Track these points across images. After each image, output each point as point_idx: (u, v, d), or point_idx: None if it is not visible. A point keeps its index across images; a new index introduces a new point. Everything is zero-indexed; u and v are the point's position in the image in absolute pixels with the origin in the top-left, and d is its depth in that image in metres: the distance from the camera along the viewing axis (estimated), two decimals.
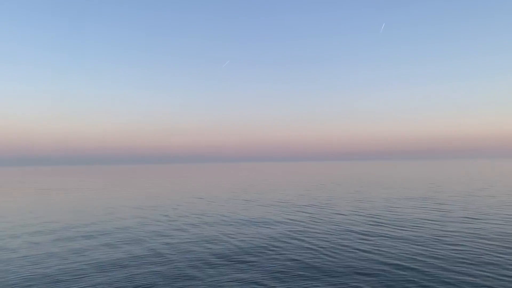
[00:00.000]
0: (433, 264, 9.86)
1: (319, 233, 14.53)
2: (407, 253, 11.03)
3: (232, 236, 14.32)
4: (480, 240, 12.51)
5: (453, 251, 11.11)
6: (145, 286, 8.54)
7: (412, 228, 14.95)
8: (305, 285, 8.40)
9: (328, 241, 13.05)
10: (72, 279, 9.14)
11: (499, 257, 10.37)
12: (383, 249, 11.66)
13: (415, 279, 8.63)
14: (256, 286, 8.44)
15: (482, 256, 10.47)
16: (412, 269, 9.46)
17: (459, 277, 8.67)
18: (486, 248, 11.37)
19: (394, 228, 15.06)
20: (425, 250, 11.39)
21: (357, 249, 11.68)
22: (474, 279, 8.50)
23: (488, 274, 8.87)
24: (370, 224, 16.10)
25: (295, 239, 13.51)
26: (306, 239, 13.46)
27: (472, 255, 10.61)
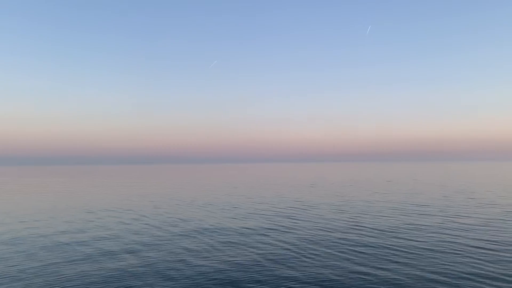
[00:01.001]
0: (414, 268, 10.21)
1: (286, 237, 14.77)
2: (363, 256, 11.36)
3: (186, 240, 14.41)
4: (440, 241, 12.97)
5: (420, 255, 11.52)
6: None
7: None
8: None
9: (297, 245, 13.29)
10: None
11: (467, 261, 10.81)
12: (339, 253, 11.98)
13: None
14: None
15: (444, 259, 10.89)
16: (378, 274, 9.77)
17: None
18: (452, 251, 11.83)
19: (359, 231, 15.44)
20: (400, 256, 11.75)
21: (332, 254, 11.95)
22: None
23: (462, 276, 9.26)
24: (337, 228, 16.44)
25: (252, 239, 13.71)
26: (275, 243, 13.67)
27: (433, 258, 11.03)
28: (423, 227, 15.58)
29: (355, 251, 11.69)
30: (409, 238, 13.51)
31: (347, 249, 11.98)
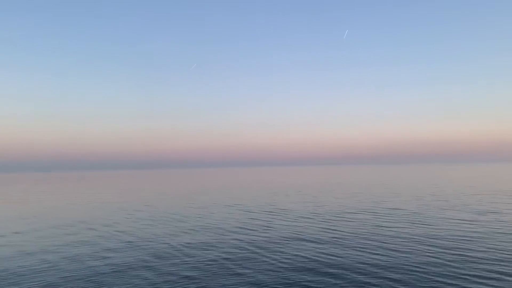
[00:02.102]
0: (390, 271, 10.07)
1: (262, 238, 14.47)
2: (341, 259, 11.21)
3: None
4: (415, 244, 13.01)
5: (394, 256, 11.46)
6: None
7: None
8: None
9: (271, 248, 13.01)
10: None
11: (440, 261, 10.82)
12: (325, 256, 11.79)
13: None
14: None
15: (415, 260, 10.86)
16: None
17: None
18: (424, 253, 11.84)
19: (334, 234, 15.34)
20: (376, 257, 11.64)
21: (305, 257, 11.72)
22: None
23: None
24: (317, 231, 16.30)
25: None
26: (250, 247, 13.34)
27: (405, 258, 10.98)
28: (394, 230, 15.62)
29: (327, 254, 11.50)
30: (380, 240, 13.47)
31: (317, 254, 11.77)
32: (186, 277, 9.45)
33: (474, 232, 14.86)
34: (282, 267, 10.20)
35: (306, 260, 10.96)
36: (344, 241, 13.63)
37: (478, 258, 10.76)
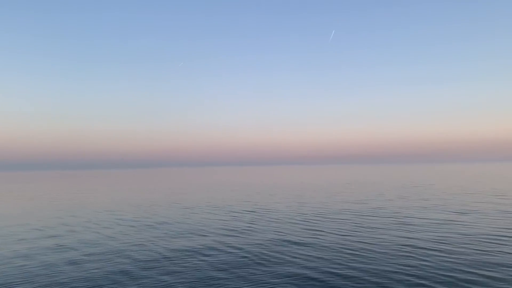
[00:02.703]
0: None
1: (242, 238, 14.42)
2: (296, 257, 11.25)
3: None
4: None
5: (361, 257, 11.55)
6: None
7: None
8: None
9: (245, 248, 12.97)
10: None
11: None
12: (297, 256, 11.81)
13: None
14: None
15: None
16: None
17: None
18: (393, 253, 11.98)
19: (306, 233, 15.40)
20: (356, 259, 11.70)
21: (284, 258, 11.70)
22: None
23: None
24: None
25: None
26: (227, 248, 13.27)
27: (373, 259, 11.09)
28: (375, 229, 15.77)
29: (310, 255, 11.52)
30: (361, 240, 13.56)
31: (301, 253, 11.78)
32: (163, 281, 9.32)
33: (451, 231, 15.12)
34: (260, 269, 10.16)
35: (286, 262, 10.94)
36: (323, 241, 13.68)
37: (454, 258, 10.93)
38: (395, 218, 19.08)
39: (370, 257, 11.20)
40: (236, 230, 16.50)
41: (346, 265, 10.44)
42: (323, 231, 15.73)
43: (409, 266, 10.18)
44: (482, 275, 9.19)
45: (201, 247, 13.21)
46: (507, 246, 12.20)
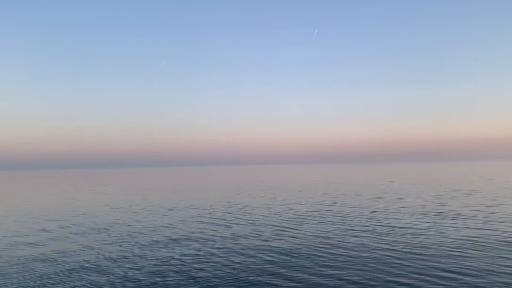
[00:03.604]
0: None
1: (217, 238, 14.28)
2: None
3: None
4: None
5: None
6: None
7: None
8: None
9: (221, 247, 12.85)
10: None
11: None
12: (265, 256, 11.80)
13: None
14: None
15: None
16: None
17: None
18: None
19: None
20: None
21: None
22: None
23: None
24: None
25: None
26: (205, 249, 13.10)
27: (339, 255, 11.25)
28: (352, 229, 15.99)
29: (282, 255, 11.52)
30: (339, 241, 13.70)
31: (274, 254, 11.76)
32: (137, 280, 9.05)
33: (420, 230, 15.54)
34: (236, 269, 10.06)
35: (261, 261, 10.88)
36: (300, 240, 13.72)
37: (425, 257, 11.21)
38: (369, 219, 19.41)
39: (344, 255, 11.31)
40: (215, 229, 16.30)
41: (322, 263, 10.50)
42: (298, 230, 15.78)
43: (381, 264, 10.35)
44: (451, 277, 9.47)
45: (177, 246, 12.94)
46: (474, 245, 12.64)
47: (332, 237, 14.17)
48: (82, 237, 14.91)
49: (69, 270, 10.06)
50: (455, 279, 8.84)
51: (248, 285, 8.68)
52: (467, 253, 11.38)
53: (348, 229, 15.91)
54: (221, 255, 11.61)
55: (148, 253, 11.93)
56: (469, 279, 8.82)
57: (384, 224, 17.06)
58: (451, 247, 12.16)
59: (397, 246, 12.52)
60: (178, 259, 11.12)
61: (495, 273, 9.23)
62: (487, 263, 10.20)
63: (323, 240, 13.63)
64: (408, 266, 10.06)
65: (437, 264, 10.20)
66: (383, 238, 13.92)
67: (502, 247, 12.01)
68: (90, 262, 10.84)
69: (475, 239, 13.49)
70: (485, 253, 11.33)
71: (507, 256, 10.89)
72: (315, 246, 12.72)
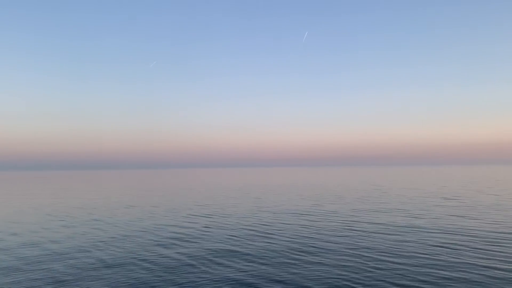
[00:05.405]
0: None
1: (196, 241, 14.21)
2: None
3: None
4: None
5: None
6: None
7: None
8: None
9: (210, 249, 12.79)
10: None
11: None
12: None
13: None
14: None
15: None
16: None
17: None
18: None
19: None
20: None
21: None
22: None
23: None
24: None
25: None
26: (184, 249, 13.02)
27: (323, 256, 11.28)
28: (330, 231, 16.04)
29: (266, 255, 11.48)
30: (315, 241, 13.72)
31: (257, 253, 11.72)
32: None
33: (395, 233, 15.67)
34: (207, 276, 10.00)
35: (232, 269, 10.85)
36: (273, 244, 13.71)
37: (400, 263, 11.30)
38: (346, 222, 19.49)
39: (316, 260, 11.33)
40: (191, 234, 16.21)
41: (296, 273, 10.49)
42: (272, 234, 15.78)
43: (352, 269, 10.39)
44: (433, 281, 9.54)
45: (153, 250, 12.82)
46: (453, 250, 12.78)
47: (302, 242, 14.18)
48: (55, 245, 14.68)
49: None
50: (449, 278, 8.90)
51: None
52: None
53: (326, 234, 15.95)
54: (191, 262, 11.54)
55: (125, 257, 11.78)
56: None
57: (393, 224, 17.14)
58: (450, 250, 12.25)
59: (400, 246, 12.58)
60: (156, 264, 11.02)
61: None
62: (463, 270, 10.31)
63: (298, 242, 13.63)
64: (408, 269, 10.11)
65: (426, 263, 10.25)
66: (376, 240, 13.98)
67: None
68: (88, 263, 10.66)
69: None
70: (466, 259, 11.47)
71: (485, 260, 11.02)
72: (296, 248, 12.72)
